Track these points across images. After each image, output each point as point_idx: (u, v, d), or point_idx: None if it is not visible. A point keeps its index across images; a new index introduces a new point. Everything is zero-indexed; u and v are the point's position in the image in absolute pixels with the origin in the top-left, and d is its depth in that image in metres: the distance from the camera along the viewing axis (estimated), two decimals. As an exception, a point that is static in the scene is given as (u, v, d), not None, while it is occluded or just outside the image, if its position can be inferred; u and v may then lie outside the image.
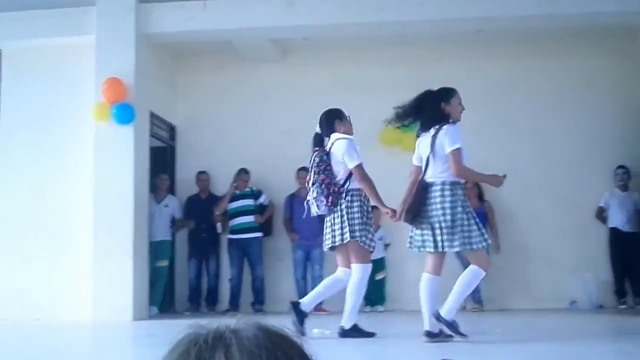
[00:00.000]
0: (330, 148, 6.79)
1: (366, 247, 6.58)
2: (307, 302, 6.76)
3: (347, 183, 6.68)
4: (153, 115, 10.34)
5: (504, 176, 6.34)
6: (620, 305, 9.96)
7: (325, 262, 10.40)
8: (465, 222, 5.96)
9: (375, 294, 10.21)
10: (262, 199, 10.63)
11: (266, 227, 10.70)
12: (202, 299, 10.75)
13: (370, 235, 6.62)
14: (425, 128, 6.38)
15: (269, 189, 10.72)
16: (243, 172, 10.60)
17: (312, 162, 6.87)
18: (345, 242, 6.55)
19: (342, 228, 6.55)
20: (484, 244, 6.01)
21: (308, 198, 6.77)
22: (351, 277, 6.60)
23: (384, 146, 10.64)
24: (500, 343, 6.39)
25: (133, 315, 9.18)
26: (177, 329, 1.16)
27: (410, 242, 6.34)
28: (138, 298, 9.39)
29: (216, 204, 10.56)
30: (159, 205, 10.42)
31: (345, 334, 6.56)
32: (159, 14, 9.69)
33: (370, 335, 6.64)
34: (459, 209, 5.99)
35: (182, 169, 11.11)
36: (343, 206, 6.58)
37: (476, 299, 10.03)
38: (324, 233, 6.79)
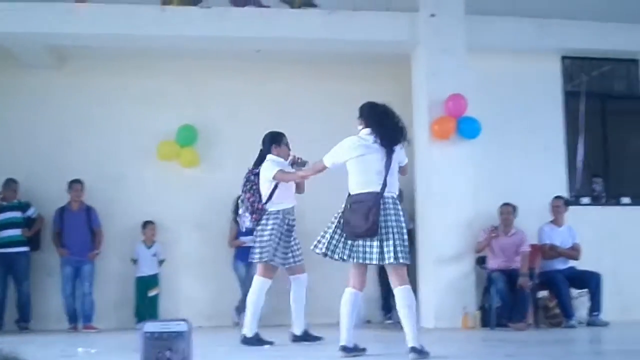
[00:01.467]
0: (259, 170, 7.24)
1: (268, 263, 7.02)
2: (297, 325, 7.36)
3: (268, 203, 7.12)
4: None
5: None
6: (386, 320, 10.38)
7: (95, 279, 10.07)
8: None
9: (147, 311, 10.01)
10: (30, 212, 10.12)
11: (34, 241, 10.19)
12: (-38, 317, 10.05)
13: (278, 253, 7.04)
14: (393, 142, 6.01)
15: (38, 202, 10.23)
16: (11, 182, 10.07)
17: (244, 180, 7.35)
18: (254, 261, 7.10)
19: (255, 247, 7.07)
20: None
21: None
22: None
23: (162, 161, 10.48)
24: (265, 358, 6.43)
25: None
26: None
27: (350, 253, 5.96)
28: None
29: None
30: None
31: (246, 341, 7.04)
32: None
33: (270, 343, 7.05)
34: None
35: (-56, 179, 10.36)
36: (260, 226, 7.07)
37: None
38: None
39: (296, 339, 7.29)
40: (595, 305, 9.50)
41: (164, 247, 10.42)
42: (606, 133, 11.12)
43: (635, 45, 10.78)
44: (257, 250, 7.04)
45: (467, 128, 9.65)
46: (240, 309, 10.34)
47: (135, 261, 10.32)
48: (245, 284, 10.28)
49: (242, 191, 7.29)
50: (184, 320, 1.22)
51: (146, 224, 10.33)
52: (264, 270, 7.10)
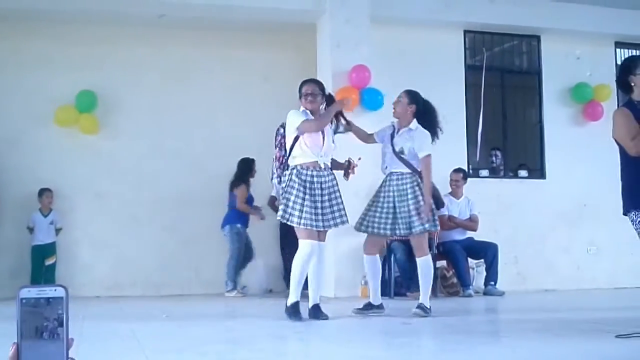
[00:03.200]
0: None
1: (291, 224, 6.29)
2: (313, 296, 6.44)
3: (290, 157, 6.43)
4: None
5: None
6: (288, 289, 10.37)
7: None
8: None
9: (44, 279, 9.80)
10: None
11: None
12: None
13: (295, 212, 6.21)
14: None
15: None
16: None
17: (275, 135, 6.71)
18: (285, 221, 6.33)
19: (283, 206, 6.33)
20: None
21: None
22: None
23: (59, 127, 10.20)
24: (163, 326, 6.36)
25: None
26: None
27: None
28: None
29: None
30: None
31: (286, 309, 6.34)
32: None
33: (325, 317, 6.33)
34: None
35: None
36: (283, 184, 6.38)
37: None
38: None
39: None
40: (491, 275, 9.74)
41: (61, 215, 10.19)
42: (505, 107, 11.35)
43: (538, 21, 11.00)
44: (282, 210, 6.31)
45: (370, 99, 9.69)
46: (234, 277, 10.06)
47: (31, 229, 10.06)
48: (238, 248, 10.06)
49: (275, 146, 6.63)
50: (61, 285, 1.18)
51: (43, 191, 10.06)
52: (298, 232, 6.34)
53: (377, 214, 6.74)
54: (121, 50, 10.64)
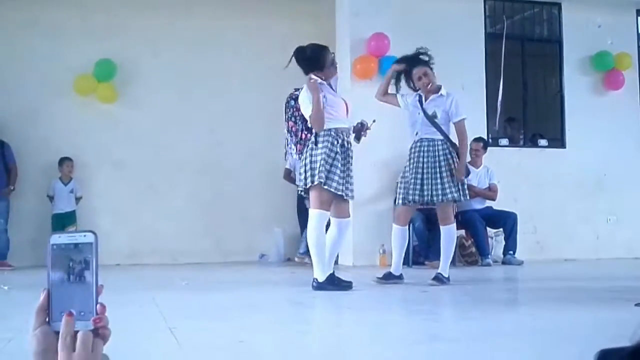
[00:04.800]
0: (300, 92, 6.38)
1: (330, 189, 6.07)
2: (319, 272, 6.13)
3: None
4: None
5: None
6: (306, 260, 10.42)
7: (10, 216, 9.84)
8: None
9: (65, 248, 9.84)
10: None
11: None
12: None
13: (335, 177, 6.08)
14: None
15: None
16: None
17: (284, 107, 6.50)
18: (308, 186, 6.13)
19: (305, 172, 6.17)
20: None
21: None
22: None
23: (78, 95, 10.22)
24: (183, 293, 6.40)
25: None
26: None
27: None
28: None
29: None
30: None
31: (319, 287, 6.05)
32: None
33: (348, 286, 6.17)
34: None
35: None
36: (308, 148, 6.18)
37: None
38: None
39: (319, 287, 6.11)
40: (510, 244, 9.72)
41: (81, 184, 10.23)
42: (525, 76, 11.26)
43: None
44: (308, 174, 6.12)
45: (389, 68, 9.62)
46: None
47: (51, 198, 10.12)
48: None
49: (285, 120, 6.40)
50: (90, 231, 1.19)
51: (63, 160, 10.09)
52: (319, 199, 6.13)
53: (407, 183, 6.76)
54: (140, 19, 10.61)
